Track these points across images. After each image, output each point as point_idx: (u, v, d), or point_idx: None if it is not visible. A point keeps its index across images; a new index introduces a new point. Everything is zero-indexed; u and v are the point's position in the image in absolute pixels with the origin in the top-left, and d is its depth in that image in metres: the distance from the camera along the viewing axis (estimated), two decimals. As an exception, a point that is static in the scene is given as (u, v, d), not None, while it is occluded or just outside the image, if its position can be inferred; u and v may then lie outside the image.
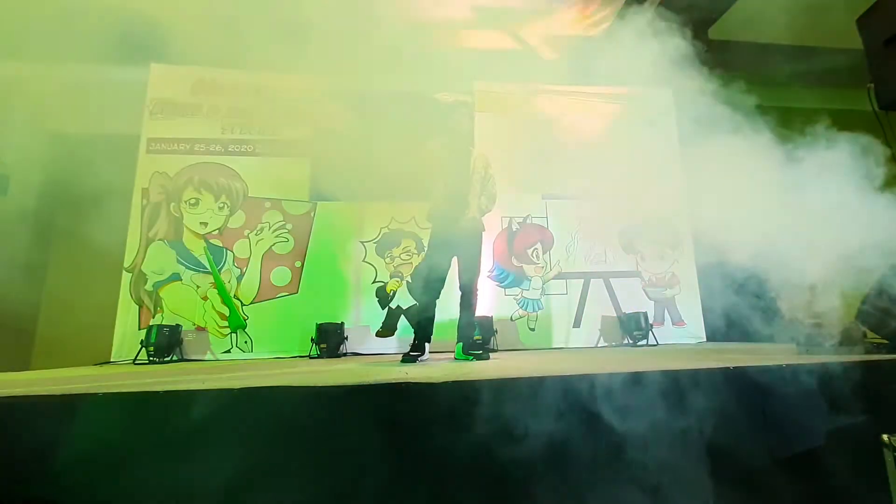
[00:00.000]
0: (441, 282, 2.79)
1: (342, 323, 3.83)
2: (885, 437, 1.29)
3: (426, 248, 2.92)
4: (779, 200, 2.42)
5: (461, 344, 2.77)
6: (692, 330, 4.37)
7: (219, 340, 3.84)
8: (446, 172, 2.83)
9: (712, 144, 2.91)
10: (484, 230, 2.93)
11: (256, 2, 3.80)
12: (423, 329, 2.76)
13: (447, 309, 2.95)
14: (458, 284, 2.84)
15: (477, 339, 3.41)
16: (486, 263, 4.29)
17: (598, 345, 4.21)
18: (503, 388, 1.42)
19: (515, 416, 1.39)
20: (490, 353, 2.85)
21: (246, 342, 3.87)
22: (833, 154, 2.34)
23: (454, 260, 2.84)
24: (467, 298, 2.82)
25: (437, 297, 2.79)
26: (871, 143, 2.25)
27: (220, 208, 4.10)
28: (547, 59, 4.23)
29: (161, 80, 4.25)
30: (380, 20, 3.63)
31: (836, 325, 2.12)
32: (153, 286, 3.84)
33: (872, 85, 2.08)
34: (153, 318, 3.77)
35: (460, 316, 2.83)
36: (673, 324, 4.39)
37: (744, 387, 1.55)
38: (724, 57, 4.19)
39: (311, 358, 3.58)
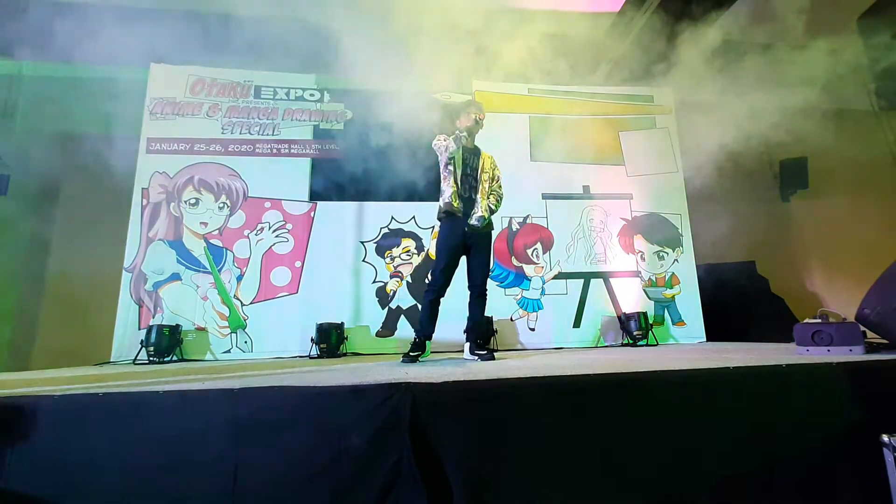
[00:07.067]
0: (447, 282, 2.78)
1: (342, 323, 3.83)
2: (885, 437, 1.29)
3: (432, 248, 2.90)
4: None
5: (469, 343, 2.77)
6: (692, 330, 4.37)
7: (219, 340, 3.84)
8: (456, 172, 2.82)
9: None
10: (493, 229, 2.95)
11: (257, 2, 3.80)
12: (425, 329, 2.75)
13: (449, 309, 2.94)
14: (468, 284, 2.83)
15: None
16: (487, 263, 4.29)
17: (598, 345, 4.21)
18: (503, 388, 1.42)
19: (515, 416, 1.39)
20: (494, 354, 2.84)
21: (246, 342, 3.86)
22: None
23: (463, 260, 2.83)
24: (477, 298, 2.81)
25: (442, 296, 2.78)
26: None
27: (220, 208, 4.10)
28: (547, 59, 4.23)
29: (161, 80, 4.25)
30: (383, 19, 3.63)
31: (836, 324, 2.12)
32: (153, 286, 3.84)
33: (873, 86, 2.08)
34: (153, 318, 3.77)
35: (469, 315, 2.83)
36: (673, 324, 4.39)
37: (744, 386, 1.55)
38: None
39: (311, 358, 3.58)
